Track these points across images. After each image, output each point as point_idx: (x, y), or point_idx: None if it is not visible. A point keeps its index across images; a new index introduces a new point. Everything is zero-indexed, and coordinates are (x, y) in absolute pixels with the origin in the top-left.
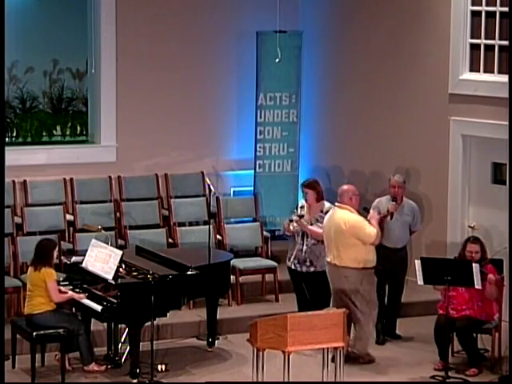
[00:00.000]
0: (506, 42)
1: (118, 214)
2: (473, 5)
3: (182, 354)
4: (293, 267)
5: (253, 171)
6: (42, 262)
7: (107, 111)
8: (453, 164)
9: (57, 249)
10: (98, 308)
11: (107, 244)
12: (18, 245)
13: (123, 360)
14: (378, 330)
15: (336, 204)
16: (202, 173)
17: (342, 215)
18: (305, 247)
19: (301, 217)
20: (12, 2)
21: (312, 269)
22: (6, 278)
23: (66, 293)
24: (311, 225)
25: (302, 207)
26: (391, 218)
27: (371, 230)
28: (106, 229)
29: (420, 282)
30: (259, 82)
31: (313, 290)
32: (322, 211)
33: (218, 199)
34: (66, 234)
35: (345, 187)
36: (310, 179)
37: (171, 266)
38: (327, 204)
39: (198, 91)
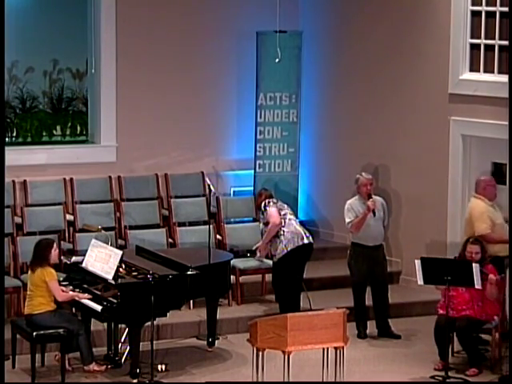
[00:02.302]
0: (506, 42)
1: (118, 213)
2: (473, 5)
3: (182, 354)
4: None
5: (253, 171)
6: (38, 263)
7: (107, 111)
8: (453, 164)
9: (54, 248)
10: (98, 308)
11: (107, 244)
12: (18, 245)
13: (123, 360)
14: (359, 330)
15: (473, 193)
16: (202, 173)
17: (472, 204)
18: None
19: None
20: (12, 2)
21: (275, 259)
22: (6, 278)
23: (67, 292)
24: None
25: None
26: (374, 214)
27: (484, 227)
28: (106, 229)
29: (420, 281)
30: (259, 82)
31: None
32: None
33: (217, 199)
34: (66, 234)
35: (481, 178)
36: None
37: (171, 265)
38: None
39: (197, 91)
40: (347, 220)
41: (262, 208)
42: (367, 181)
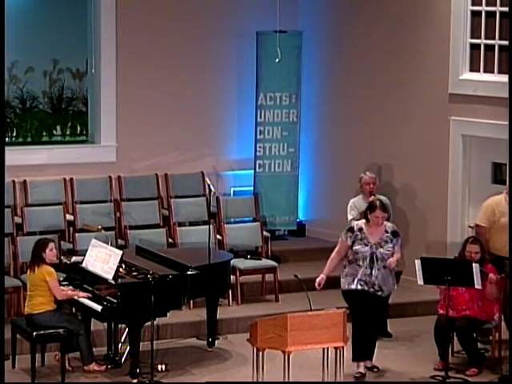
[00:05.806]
0: (506, 42)
1: (118, 214)
2: (473, 5)
3: (182, 354)
4: (359, 288)
5: (253, 171)
6: (34, 262)
7: (107, 111)
8: (453, 164)
9: (49, 247)
10: (98, 308)
11: (107, 244)
12: (18, 245)
13: (123, 360)
14: None
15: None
16: (202, 173)
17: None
18: (375, 271)
19: None
20: (12, 2)
21: (379, 293)
22: (6, 278)
23: (66, 291)
24: (380, 247)
25: (361, 229)
26: None
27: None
28: (106, 229)
29: (420, 281)
30: (259, 81)
31: (376, 312)
32: (387, 232)
33: (218, 199)
34: (66, 234)
35: None
36: (378, 201)
37: (171, 265)
38: (389, 223)
39: (198, 91)
40: (349, 217)
41: (396, 234)
42: (370, 179)
